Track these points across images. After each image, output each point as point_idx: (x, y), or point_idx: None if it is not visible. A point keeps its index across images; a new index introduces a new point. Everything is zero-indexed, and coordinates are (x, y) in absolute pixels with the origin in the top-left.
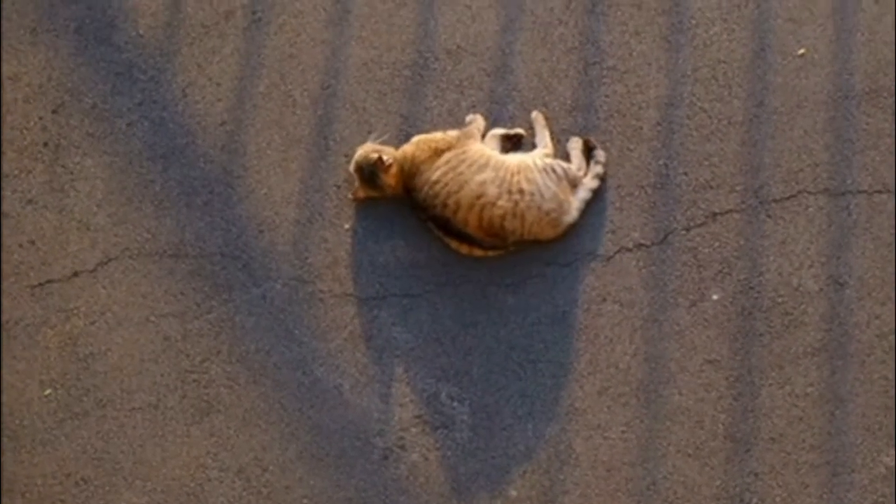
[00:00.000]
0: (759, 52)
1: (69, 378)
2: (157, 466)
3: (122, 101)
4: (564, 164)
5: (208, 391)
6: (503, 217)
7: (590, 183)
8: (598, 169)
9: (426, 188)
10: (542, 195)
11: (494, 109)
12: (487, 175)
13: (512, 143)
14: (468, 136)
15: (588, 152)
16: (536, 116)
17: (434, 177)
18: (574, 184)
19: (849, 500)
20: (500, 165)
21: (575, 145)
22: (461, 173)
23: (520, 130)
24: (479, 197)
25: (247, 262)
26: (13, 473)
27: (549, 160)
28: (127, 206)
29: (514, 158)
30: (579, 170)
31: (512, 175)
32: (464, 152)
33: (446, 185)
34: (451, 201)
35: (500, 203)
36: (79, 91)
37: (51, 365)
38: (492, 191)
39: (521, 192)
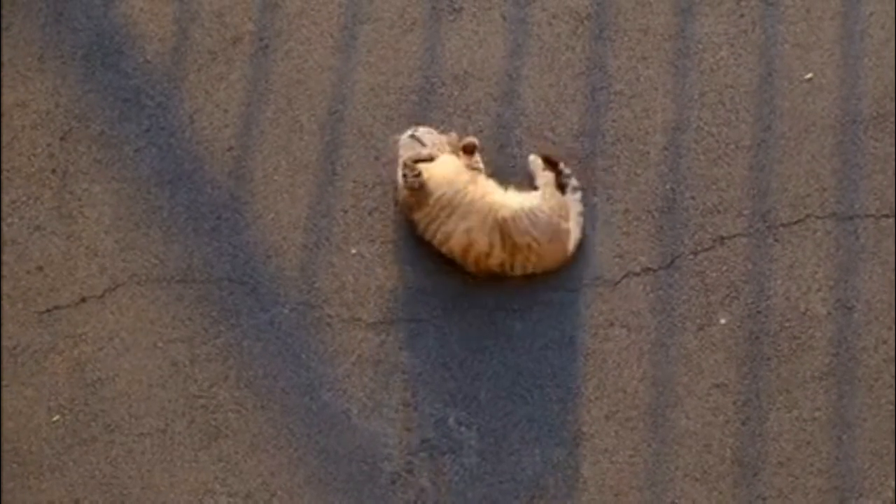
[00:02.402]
0: (767, 76)
1: (77, 404)
2: (165, 492)
3: (130, 128)
4: (552, 202)
5: (216, 416)
6: (502, 266)
7: (573, 196)
8: (573, 182)
9: (421, 227)
10: (538, 243)
11: (501, 134)
12: (472, 222)
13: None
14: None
15: (555, 172)
16: (534, 160)
17: (422, 225)
18: (565, 209)
19: None
20: (485, 209)
21: (535, 160)
22: (443, 223)
23: (471, 139)
24: (469, 247)
25: (254, 287)
26: (21, 500)
27: (535, 202)
28: (135, 231)
29: (508, 202)
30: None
31: (502, 223)
32: (456, 193)
33: (434, 234)
34: (444, 249)
35: (494, 254)
36: (86, 117)
37: (59, 391)
38: (481, 240)
39: (514, 246)
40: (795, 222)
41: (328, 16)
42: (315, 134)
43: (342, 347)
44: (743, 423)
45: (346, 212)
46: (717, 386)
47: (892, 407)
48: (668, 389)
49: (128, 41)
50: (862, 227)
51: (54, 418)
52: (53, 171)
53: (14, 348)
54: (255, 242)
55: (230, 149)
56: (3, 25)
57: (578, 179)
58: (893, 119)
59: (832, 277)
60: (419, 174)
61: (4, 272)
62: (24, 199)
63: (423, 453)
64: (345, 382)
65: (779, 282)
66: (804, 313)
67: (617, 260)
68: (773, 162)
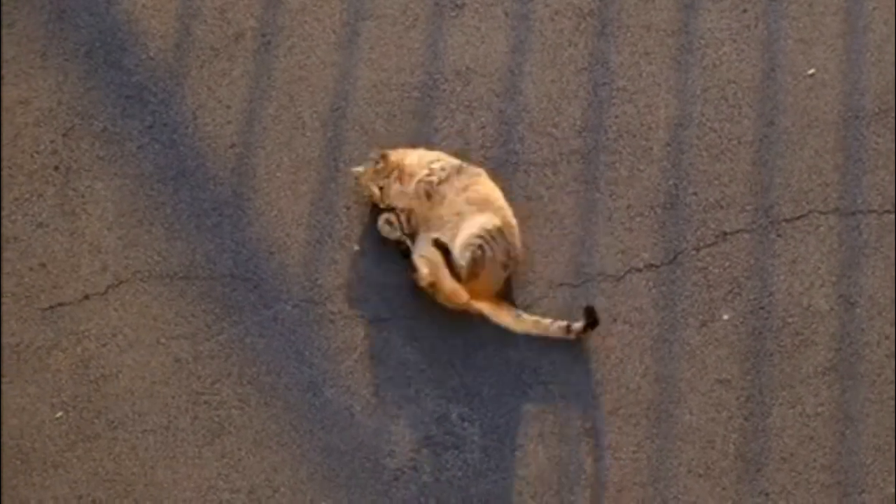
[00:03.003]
0: (769, 72)
1: (81, 400)
2: (168, 488)
3: (133, 124)
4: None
5: (219, 413)
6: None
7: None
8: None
9: None
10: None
11: (504, 130)
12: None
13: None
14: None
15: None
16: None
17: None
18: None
19: None
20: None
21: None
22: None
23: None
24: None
25: (257, 284)
26: (25, 497)
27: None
28: (137, 228)
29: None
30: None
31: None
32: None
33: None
34: None
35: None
36: (89, 114)
37: (62, 387)
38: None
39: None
40: (798, 218)
41: (330, 12)
42: (317, 130)
43: (345, 344)
44: (746, 419)
45: (348, 208)
46: (720, 382)
47: (895, 402)
48: (671, 385)
49: (130, 38)
50: (864, 223)
51: (57, 415)
52: (56, 167)
53: (17, 345)
54: (258, 239)
55: (233, 145)
56: (6, 22)
57: (581, 177)
58: (895, 115)
59: (835, 273)
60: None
61: (7, 269)
62: (26, 196)
63: (426, 449)
64: (347, 379)
65: (781, 277)
66: (807, 309)
67: (619, 256)
68: (776, 157)
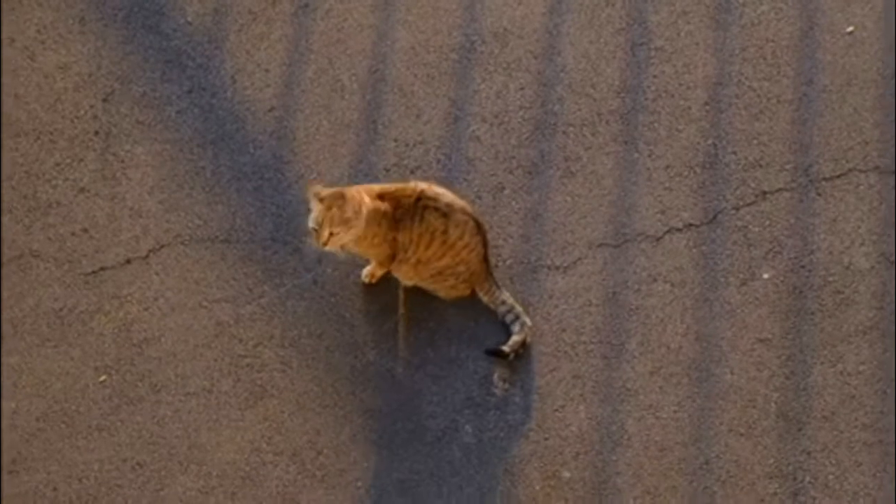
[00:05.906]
0: (808, 30)
1: (124, 364)
2: (211, 451)
3: (172, 89)
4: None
5: (261, 375)
6: None
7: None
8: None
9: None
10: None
11: (542, 91)
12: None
13: None
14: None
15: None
16: None
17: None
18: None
19: None
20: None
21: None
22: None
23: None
24: None
25: (298, 247)
26: (70, 459)
27: None
28: (178, 192)
29: None
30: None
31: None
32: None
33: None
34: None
35: None
36: (128, 79)
37: (105, 351)
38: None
39: None
40: (838, 176)
41: None
42: (356, 93)
43: (386, 306)
44: (787, 378)
45: (388, 170)
46: (761, 341)
47: None
48: (711, 345)
49: (169, 2)
50: None
51: (101, 378)
52: (96, 133)
53: (60, 310)
54: (298, 202)
55: (272, 109)
56: None
57: (620, 137)
58: None
59: (875, 231)
60: None
61: (50, 234)
62: (67, 161)
63: (468, 410)
64: (389, 341)
65: (822, 236)
66: (847, 267)
67: (659, 216)
68: (815, 116)
